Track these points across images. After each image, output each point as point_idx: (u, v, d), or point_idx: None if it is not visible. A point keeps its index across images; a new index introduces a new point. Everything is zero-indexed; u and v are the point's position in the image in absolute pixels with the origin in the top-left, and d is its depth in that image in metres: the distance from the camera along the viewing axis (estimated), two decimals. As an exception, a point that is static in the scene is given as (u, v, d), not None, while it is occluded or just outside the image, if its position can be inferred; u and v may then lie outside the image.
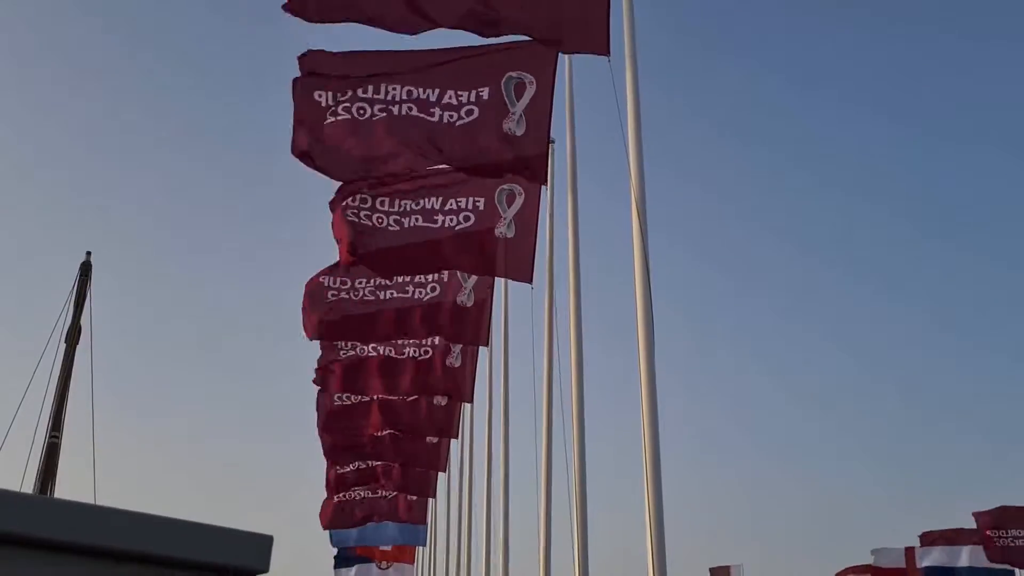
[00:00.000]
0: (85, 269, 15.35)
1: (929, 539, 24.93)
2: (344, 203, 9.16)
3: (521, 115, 8.25)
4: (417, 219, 9.31)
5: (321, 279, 10.89)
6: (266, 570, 1.34)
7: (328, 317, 10.85)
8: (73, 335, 14.57)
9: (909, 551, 25.99)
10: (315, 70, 7.85)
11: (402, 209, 9.27)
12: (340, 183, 8.92)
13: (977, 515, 22.23)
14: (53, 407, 14.15)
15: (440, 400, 14.28)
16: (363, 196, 9.28)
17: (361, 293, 10.83)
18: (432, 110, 8.18)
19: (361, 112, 7.99)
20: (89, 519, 1.23)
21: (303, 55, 7.77)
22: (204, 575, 1.31)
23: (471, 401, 14.88)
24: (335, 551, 22.60)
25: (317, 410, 14.08)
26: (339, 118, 7.88)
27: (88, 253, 15.68)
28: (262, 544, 1.35)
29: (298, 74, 7.79)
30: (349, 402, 13.96)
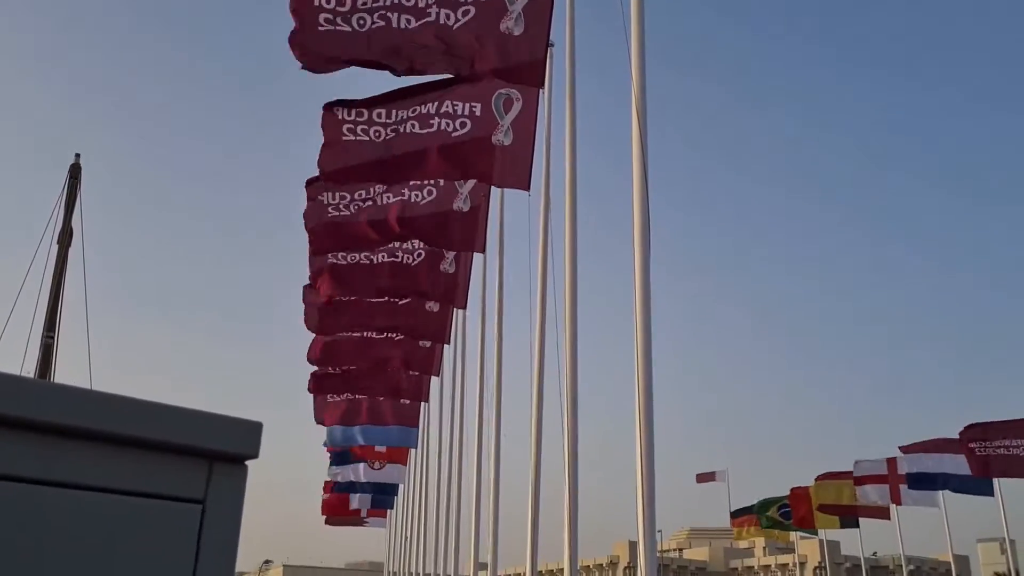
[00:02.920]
0: (75, 171, 15.13)
1: (910, 450, 25.59)
2: (338, 119, 9.00)
3: (519, 14, 8.05)
4: (414, 125, 9.14)
5: (320, 196, 10.78)
6: (255, 456, 1.32)
7: (327, 222, 10.79)
8: (64, 237, 14.47)
9: (891, 461, 26.72)
10: None
11: (399, 118, 9.11)
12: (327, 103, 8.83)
13: (962, 431, 22.67)
14: (48, 308, 14.15)
15: (432, 305, 14.31)
16: (358, 110, 9.09)
17: (354, 198, 10.72)
18: (429, 9, 7.99)
19: (361, 23, 7.83)
20: (69, 400, 1.21)
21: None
22: (192, 460, 1.29)
23: (464, 307, 14.93)
24: (329, 451, 23.04)
25: (310, 311, 14.12)
26: (337, 27, 7.73)
27: (77, 155, 15.45)
28: (251, 430, 1.33)
29: None
30: (342, 305, 13.99)
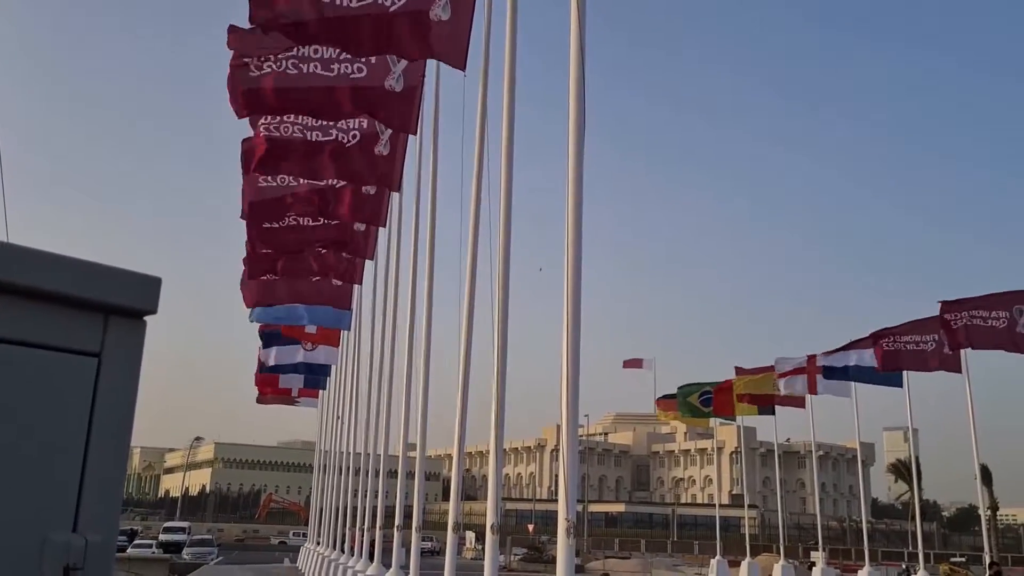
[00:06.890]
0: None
1: (829, 352, 26.94)
2: None
3: None
4: None
5: (245, 59, 10.29)
6: (153, 311, 1.29)
7: (254, 86, 10.35)
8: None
9: (811, 357, 27.97)
10: None
11: None
12: None
13: (876, 331, 23.85)
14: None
15: (369, 188, 14.10)
16: None
17: (284, 65, 10.31)
18: None
19: None
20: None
21: None
22: (87, 313, 1.26)
23: (399, 190, 14.75)
24: (261, 331, 22.98)
25: (242, 190, 13.80)
26: None
27: None
28: (149, 284, 1.31)
29: None
30: (274, 184, 13.68)
